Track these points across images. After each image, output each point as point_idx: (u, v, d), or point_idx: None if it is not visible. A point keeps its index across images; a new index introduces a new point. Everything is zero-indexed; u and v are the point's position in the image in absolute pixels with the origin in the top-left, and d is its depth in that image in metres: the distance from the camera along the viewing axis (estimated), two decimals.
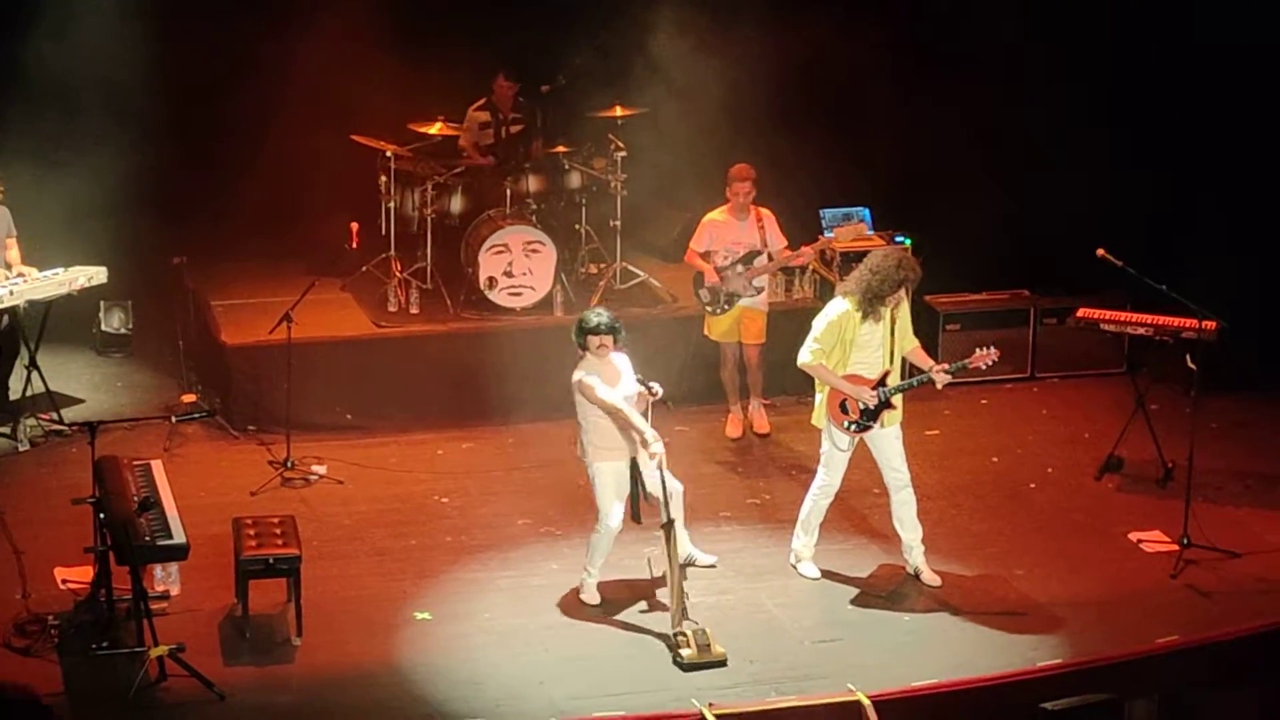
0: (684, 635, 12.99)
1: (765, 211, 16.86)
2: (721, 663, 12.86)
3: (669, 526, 13.27)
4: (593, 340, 13.39)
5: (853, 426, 13.96)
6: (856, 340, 13.76)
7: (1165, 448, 15.83)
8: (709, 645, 12.94)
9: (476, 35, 18.74)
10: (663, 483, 13.34)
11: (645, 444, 13.23)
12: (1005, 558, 14.61)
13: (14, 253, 16.78)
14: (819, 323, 13.84)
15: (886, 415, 13.96)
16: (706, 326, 16.99)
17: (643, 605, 13.64)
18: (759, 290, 16.89)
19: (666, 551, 13.24)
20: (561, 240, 17.90)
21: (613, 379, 13.44)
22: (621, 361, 13.60)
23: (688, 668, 12.81)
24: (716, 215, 16.81)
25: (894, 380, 13.90)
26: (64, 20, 17.68)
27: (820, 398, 14.08)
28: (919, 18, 19.36)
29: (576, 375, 13.42)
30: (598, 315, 13.54)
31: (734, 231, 16.74)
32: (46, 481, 15.53)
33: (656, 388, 13.48)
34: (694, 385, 17.51)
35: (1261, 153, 18.36)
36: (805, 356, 13.84)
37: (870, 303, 13.65)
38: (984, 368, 14.05)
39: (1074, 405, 17.82)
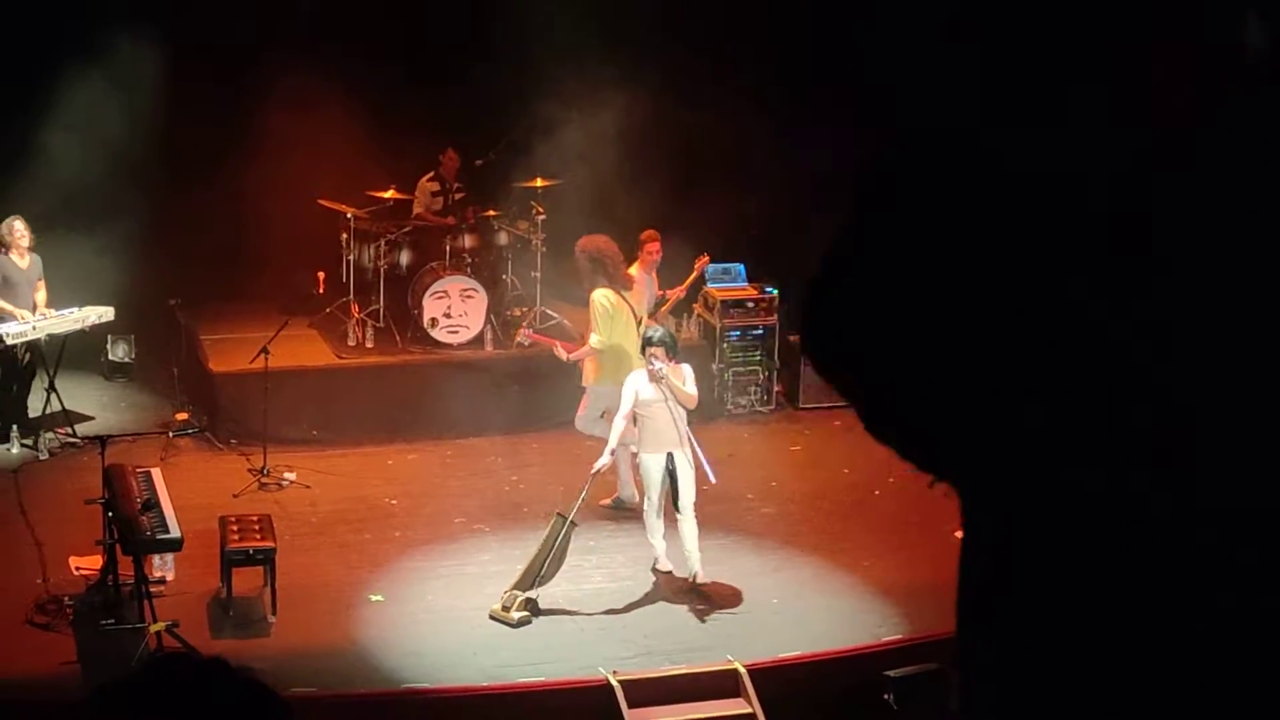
0: (511, 595, 13.12)
1: None
2: (511, 624, 13.00)
3: (568, 521, 13.30)
4: (647, 350, 13.54)
5: None
6: None
7: None
8: (509, 609, 13.06)
9: (420, 119, 18.75)
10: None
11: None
12: (855, 551, 14.71)
13: (41, 294, 16.71)
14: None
15: None
16: None
17: (553, 593, 13.68)
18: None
19: (553, 539, 13.25)
20: (491, 288, 17.92)
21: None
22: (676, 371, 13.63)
23: (491, 616, 13.08)
24: (633, 271, 16.62)
25: None
26: (79, 103, 17.61)
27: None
28: (789, 105, 19.45)
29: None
30: (651, 330, 13.89)
31: (648, 286, 16.64)
32: (63, 485, 15.41)
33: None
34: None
35: None
36: None
37: None
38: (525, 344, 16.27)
39: None
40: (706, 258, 17.62)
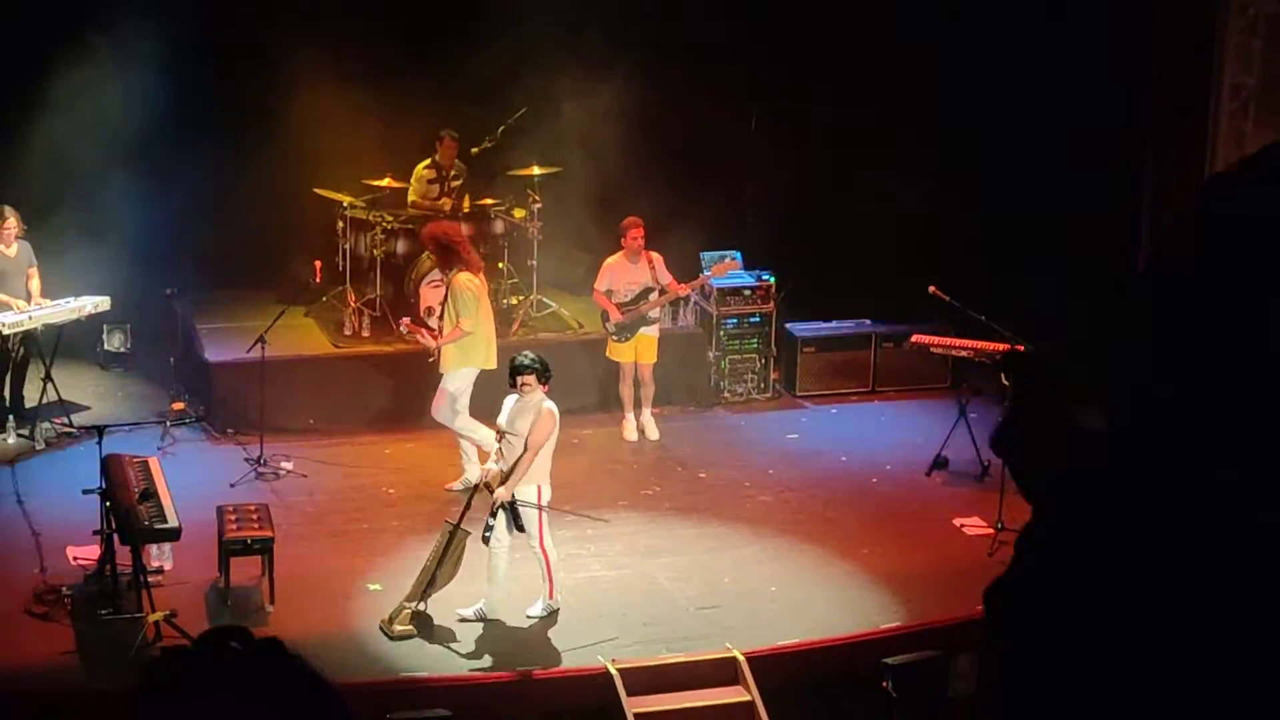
0: (402, 609, 12.71)
1: (654, 254, 16.95)
2: (391, 637, 12.60)
3: (461, 531, 12.78)
4: (517, 380, 12.83)
5: None
6: None
7: (983, 449, 15.93)
8: (394, 621, 12.67)
9: (416, 107, 18.69)
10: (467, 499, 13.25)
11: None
12: (853, 539, 14.69)
13: (35, 283, 16.69)
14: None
15: None
16: (609, 349, 17.05)
17: (561, 579, 13.67)
18: (654, 320, 16.98)
19: (443, 548, 12.77)
20: (488, 276, 17.83)
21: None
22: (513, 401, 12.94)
23: (380, 628, 12.71)
24: (613, 260, 16.89)
25: None
26: (74, 91, 17.52)
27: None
28: (786, 91, 19.47)
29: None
30: (521, 355, 13.03)
31: (629, 272, 16.82)
32: (60, 475, 15.36)
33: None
34: (597, 397, 17.57)
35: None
36: None
37: None
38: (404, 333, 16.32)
39: (908, 415, 17.89)
40: (734, 263, 17.71)
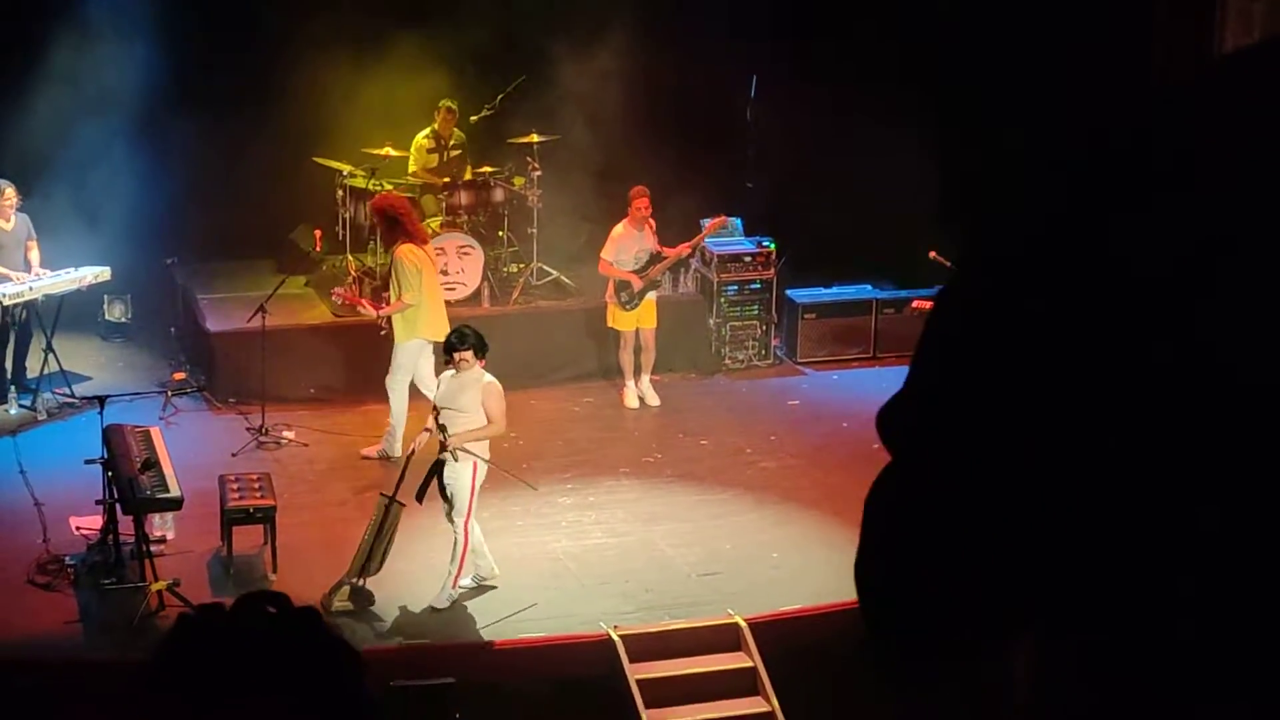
0: (342, 585, 12.61)
1: (650, 221, 17.00)
2: (330, 613, 12.30)
3: (396, 504, 12.70)
4: (455, 356, 12.69)
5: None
6: None
7: None
8: (333, 595, 12.54)
9: (415, 75, 18.66)
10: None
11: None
12: (854, 505, 14.22)
13: (34, 254, 16.69)
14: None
15: None
16: (611, 318, 17.03)
17: (554, 549, 13.70)
18: (658, 284, 17.01)
19: (379, 523, 12.69)
20: (488, 244, 17.88)
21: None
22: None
23: (321, 604, 12.37)
24: (619, 229, 16.87)
25: None
26: (73, 61, 17.53)
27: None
28: (787, 64, 19.43)
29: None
30: (457, 331, 12.96)
31: (636, 241, 16.82)
32: (62, 445, 15.38)
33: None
34: (598, 365, 17.59)
35: None
36: None
37: None
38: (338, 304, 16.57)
39: None
40: (724, 219, 17.74)
